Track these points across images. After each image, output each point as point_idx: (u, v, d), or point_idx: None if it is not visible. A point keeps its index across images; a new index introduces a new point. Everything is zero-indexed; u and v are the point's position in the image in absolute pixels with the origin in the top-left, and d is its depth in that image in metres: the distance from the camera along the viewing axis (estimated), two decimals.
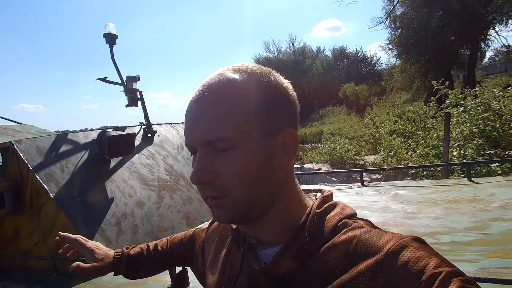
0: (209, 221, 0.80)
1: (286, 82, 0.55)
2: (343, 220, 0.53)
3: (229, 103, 0.49)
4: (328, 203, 0.57)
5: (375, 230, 0.49)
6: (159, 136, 3.02)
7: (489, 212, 1.89)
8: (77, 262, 0.80)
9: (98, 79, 2.93)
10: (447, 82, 7.47)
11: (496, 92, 6.13)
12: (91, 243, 0.86)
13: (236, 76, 0.51)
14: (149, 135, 2.95)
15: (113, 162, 2.46)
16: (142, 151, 2.76)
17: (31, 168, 2.03)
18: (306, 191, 0.64)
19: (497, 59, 25.26)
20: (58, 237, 0.85)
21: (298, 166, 11.36)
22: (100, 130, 2.48)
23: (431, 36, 16.08)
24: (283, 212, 0.55)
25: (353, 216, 0.56)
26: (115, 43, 2.92)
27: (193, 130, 0.51)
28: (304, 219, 0.54)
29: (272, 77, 0.53)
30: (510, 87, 6.28)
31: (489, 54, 22.55)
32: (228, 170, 0.49)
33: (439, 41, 16.25)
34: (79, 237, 0.86)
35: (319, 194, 0.61)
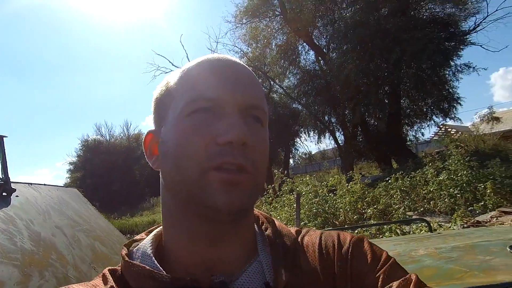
0: None
1: None
2: (295, 228, 0.56)
3: (257, 79, 0.48)
4: (266, 215, 0.57)
5: (327, 231, 0.55)
6: (17, 196, 2.28)
7: None
8: None
9: None
10: (286, 171, 8.86)
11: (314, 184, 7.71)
12: None
13: None
14: (4, 193, 2.19)
15: None
16: None
17: None
18: None
19: (299, 162, 31.92)
20: None
21: None
22: None
23: None
24: (252, 218, 0.51)
25: None
26: None
27: (235, 89, 0.44)
28: (266, 227, 0.53)
29: None
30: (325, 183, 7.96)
31: (297, 157, 28.21)
32: (259, 143, 0.45)
33: None
34: None
35: None
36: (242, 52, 18.73)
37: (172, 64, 18.39)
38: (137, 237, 0.54)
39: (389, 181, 7.47)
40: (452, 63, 12.66)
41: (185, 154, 0.42)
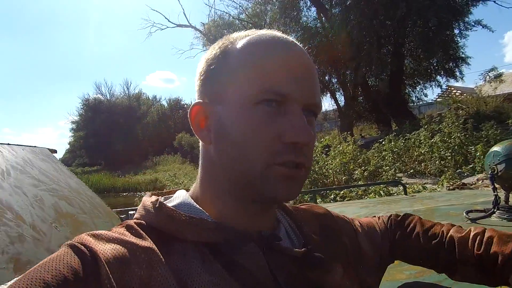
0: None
1: None
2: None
3: (316, 72, 0.49)
4: None
5: (311, 207, 0.67)
6: None
7: None
8: None
9: None
10: None
11: None
12: None
13: None
14: None
15: None
16: None
17: None
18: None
19: None
20: None
21: None
22: None
23: None
24: None
25: None
26: None
27: (303, 87, 0.44)
28: None
29: None
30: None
31: None
32: (314, 140, 0.47)
33: None
34: None
35: None
36: (241, 8, 17.87)
37: (168, 21, 17.73)
38: (152, 198, 0.50)
39: (383, 142, 7.38)
40: (460, 21, 11.98)
41: (251, 146, 0.43)
